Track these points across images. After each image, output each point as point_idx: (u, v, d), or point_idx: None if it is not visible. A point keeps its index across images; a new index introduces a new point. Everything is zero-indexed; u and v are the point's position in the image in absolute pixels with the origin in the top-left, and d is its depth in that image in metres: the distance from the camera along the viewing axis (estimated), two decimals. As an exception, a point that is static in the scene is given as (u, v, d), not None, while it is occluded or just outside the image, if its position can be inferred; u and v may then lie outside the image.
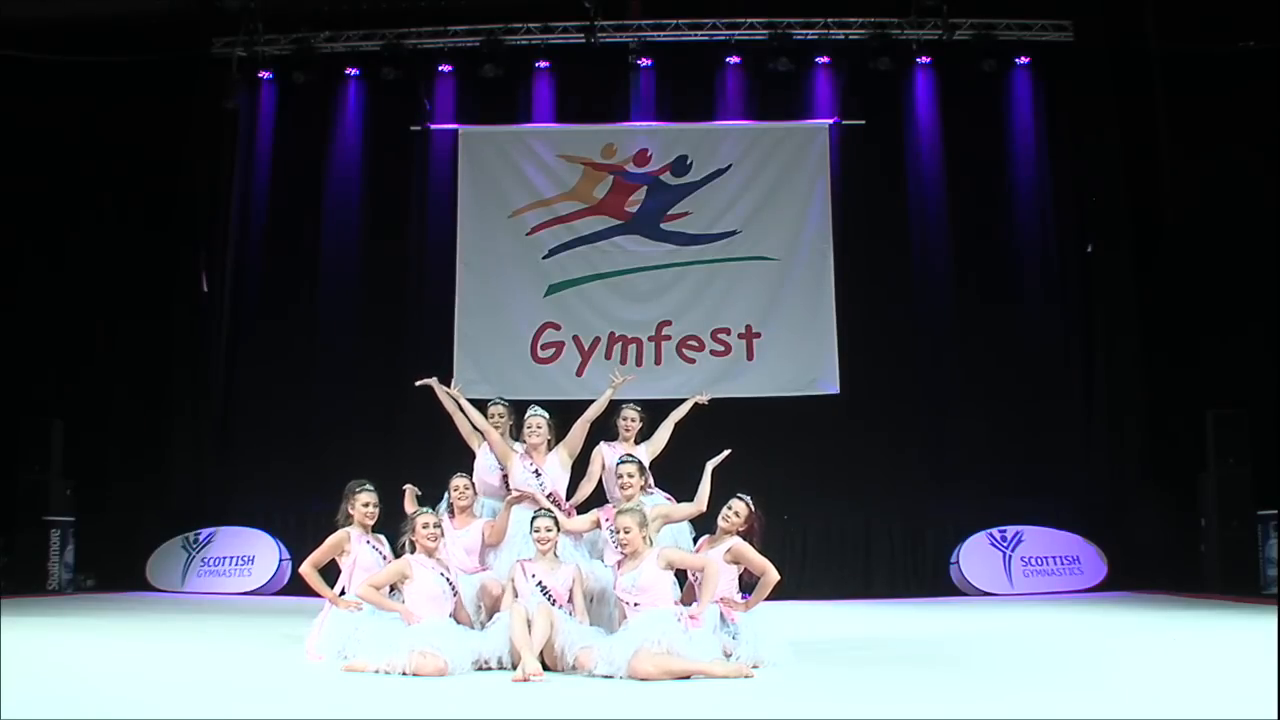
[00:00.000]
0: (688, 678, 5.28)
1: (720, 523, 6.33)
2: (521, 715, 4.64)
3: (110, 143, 12.66)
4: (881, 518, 12.32)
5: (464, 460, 7.21)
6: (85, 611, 9.24)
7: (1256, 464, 11.15)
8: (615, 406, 7.25)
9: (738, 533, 6.26)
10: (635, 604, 5.67)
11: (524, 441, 7.02)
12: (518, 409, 7.27)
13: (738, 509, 6.29)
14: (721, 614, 6.04)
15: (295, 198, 13.26)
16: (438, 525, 6.21)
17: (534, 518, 6.15)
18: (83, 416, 12.20)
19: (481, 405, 7.30)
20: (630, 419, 7.20)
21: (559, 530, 6.19)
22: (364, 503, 6.58)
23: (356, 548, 6.50)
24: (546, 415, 7.05)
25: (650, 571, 5.68)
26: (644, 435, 7.26)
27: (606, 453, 7.08)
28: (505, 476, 6.99)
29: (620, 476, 6.60)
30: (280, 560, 12.16)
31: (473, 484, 6.93)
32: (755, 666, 5.68)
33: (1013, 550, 11.99)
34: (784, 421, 12.33)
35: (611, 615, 6.19)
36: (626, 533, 5.80)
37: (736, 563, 6.21)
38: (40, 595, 10.97)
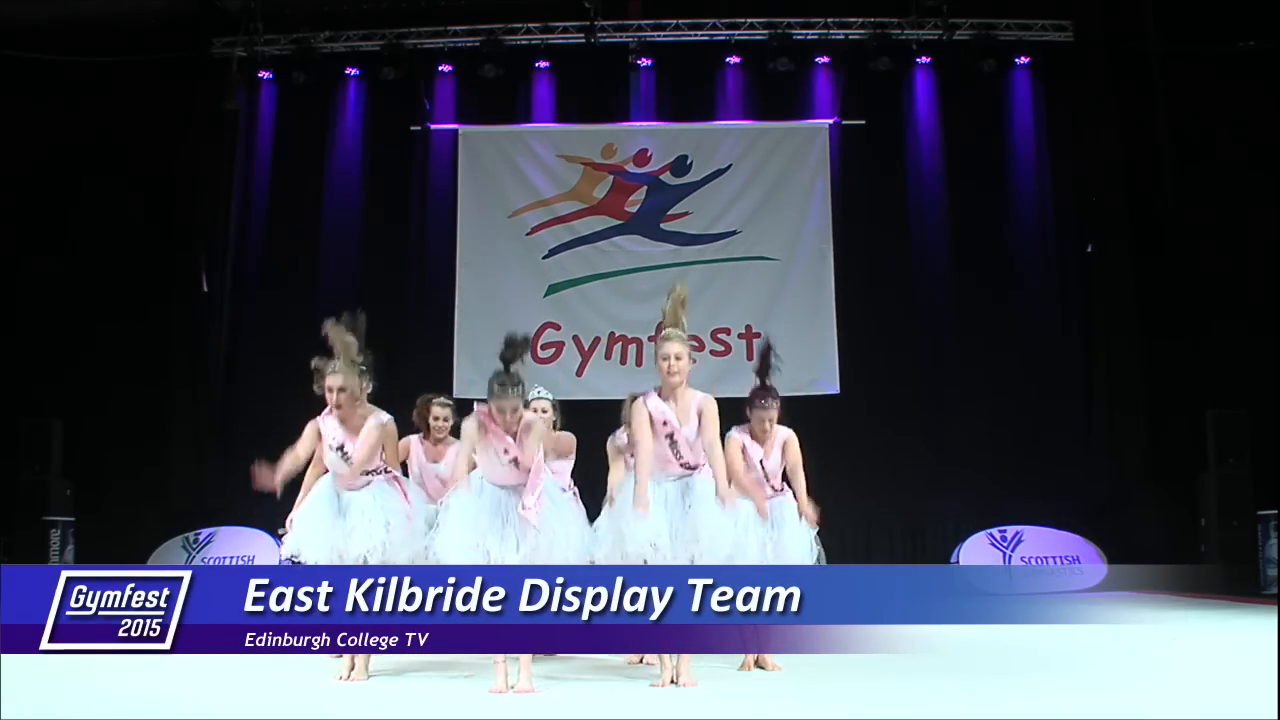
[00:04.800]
0: None
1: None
2: (522, 715, 4.64)
3: (109, 143, 12.61)
4: (881, 518, 12.30)
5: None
6: (85, 611, 9.22)
7: (1256, 464, 11.13)
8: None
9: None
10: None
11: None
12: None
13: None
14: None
15: (295, 198, 13.23)
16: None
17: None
18: (83, 416, 12.17)
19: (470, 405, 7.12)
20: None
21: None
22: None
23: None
24: (550, 398, 6.39)
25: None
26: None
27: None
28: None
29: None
30: (280, 561, 12.13)
31: (452, 413, 6.71)
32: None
33: (1013, 550, 11.99)
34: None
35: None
36: (678, 359, 5.27)
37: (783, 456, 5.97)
38: (40, 595, 10.96)
